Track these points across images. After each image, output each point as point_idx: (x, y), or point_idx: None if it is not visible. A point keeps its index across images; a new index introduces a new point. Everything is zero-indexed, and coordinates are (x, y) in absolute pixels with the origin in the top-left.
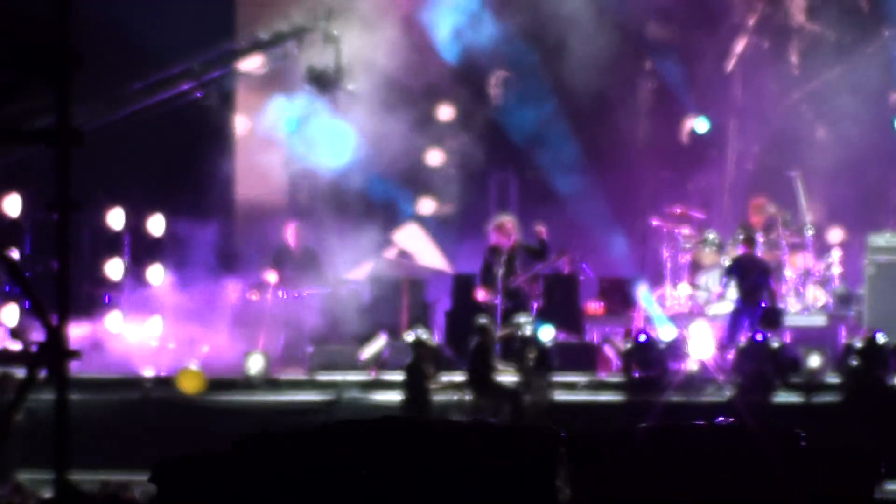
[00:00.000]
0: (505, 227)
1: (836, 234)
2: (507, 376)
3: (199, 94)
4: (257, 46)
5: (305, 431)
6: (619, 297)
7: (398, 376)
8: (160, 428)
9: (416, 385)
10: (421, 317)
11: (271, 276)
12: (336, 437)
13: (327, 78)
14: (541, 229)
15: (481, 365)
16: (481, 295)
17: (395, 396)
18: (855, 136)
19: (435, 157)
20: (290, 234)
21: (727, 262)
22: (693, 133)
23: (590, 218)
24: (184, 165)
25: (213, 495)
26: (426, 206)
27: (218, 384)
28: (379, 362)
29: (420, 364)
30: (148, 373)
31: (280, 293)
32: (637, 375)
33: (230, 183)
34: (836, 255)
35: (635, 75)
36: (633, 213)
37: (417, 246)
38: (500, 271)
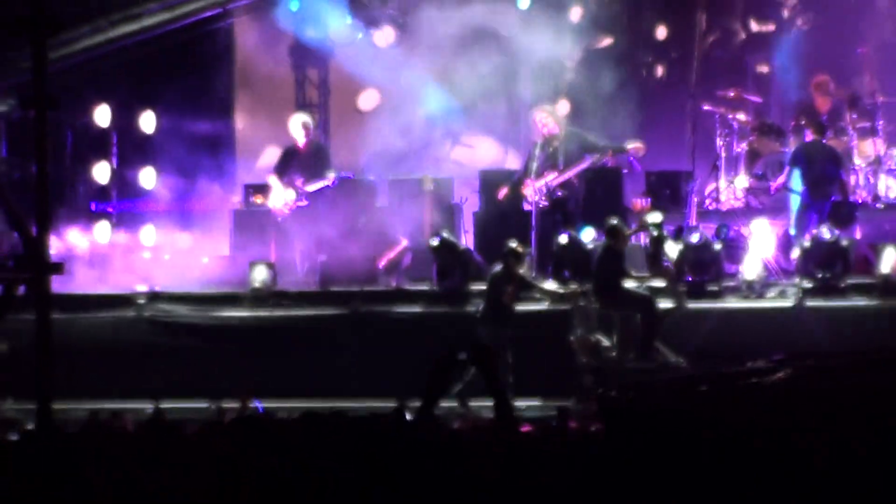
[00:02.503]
0: (544, 115)
1: None
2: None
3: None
4: None
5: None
6: (668, 192)
7: (422, 286)
8: (155, 350)
9: (497, 298)
10: (447, 219)
11: (273, 180)
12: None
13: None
14: None
15: (611, 271)
16: (502, 193)
17: (415, 308)
18: None
19: None
20: (297, 128)
21: (790, 151)
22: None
23: (633, 104)
24: (176, 55)
25: None
26: None
27: (220, 298)
28: (400, 270)
29: (509, 274)
30: (141, 288)
31: (286, 197)
32: (690, 280)
33: (230, 74)
34: None
35: None
36: (682, 97)
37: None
38: (535, 165)
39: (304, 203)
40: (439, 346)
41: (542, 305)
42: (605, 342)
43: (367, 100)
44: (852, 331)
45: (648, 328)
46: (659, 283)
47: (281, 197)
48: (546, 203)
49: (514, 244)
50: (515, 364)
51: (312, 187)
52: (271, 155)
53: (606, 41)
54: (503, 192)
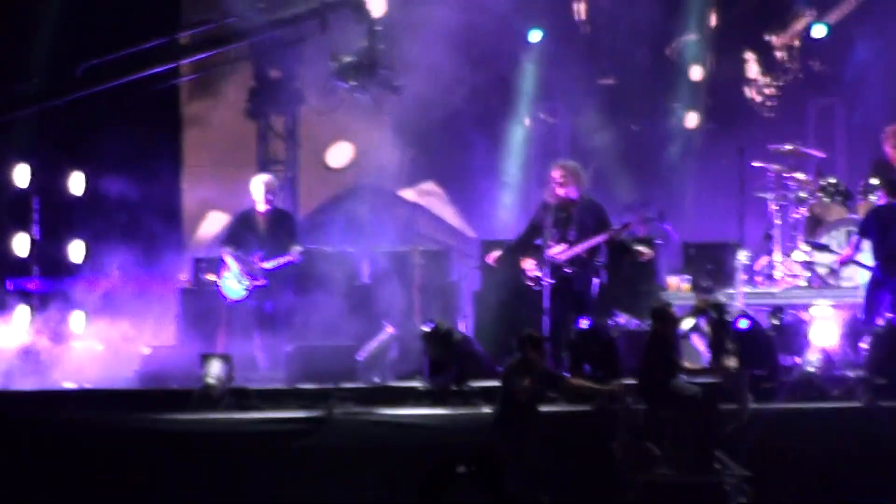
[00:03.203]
0: (561, 175)
1: None
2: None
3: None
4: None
5: None
6: (711, 268)
7: (411, 383)
8: (85, 463)
9: (512, 397)
10: (441, 300)
11: (229, 259)
12: None
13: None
14: None
15: (659, 363)
16: (493, 257)
17: (406, 411)
18: None
19: None
20: (258, 190)
21: (859, 217)
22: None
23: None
24: (112, 103)
25: None
26: None
27: (166, 399)
28: (384, 364)
29: (527, 366)
30: (68, 385)
31: (243, 273)
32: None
33: (177, 124)
34: None
35: None
36: (728, 153)
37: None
38: (555, 234)
39: (260, 283)
40: (432, 457)
41: (571, 406)
42: (655, 451)
43: (338, 155)
44: None
45: (706, 434)
46: (716, 379)
47: (235, 280)
48: (550, 280)
49: (529, 331)
50: (545, 480)
51: (271, 263)
52: (215, 221)
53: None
54: (494, 256)
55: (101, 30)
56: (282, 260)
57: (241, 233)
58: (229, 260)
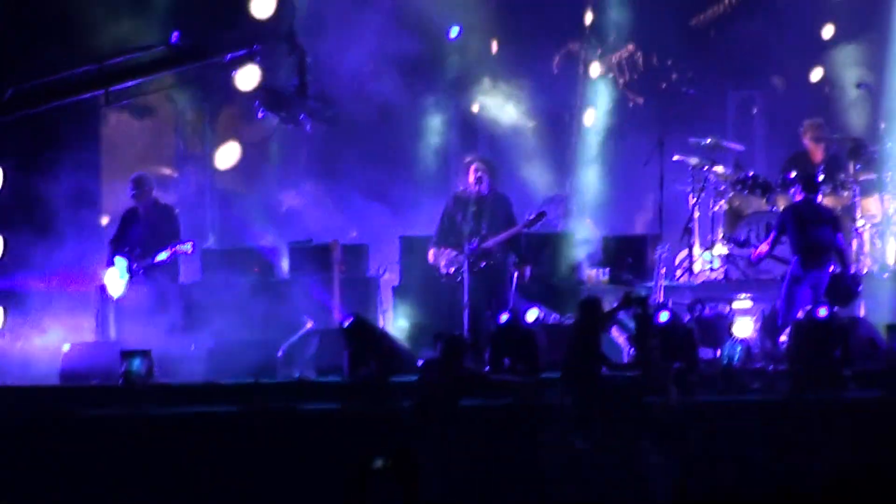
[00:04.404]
0: (476, 169)
1: None
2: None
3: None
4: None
5: None
6: (630, 261)
7: (331, 378)
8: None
9: (431, 393)
10: (361, 295)
11: (118, 261)
12: None
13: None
14: None
15: (585, 355)
16: (443, 259)
17: (323, 405)
18: None
19: None
20: (134, 187)
21: (778, 211)
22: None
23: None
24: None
25: None
26: None
27: (84, 393)
28: (304, 359)
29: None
30: None
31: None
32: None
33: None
34: None
35: None
36: (647, 145)
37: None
38: (467, 228)
39: (142, 276)
40: (353, 452)
41: (493, 401)
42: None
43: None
44: (853, 430)
45: (633, 427)
46: (640, 372)
47: (115, 279)
48: (465, 275)
49: (452, 334)
50: (463, 478)
51: (162, 255)
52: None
53: None
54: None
55: (30, 56)
56: (163, 255)
57: (126, 229)
58: (117, 258)
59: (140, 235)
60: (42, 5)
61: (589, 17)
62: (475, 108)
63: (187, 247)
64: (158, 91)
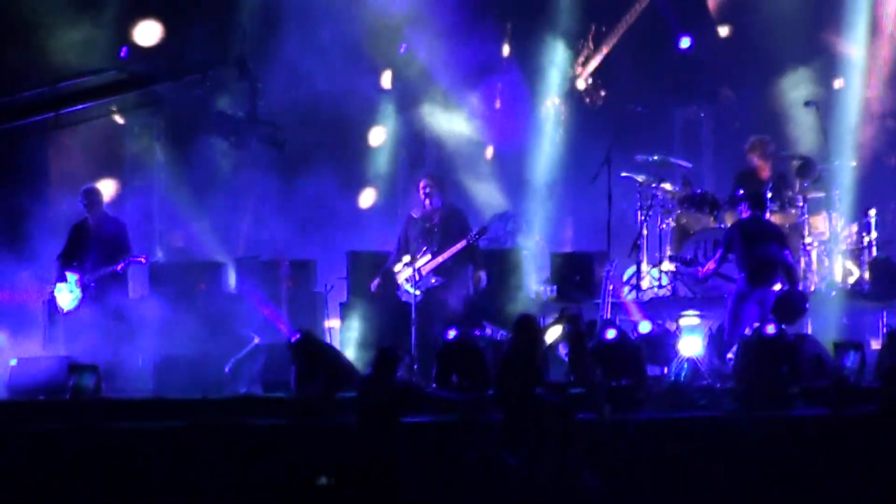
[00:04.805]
0: (426, 185)
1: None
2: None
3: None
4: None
5: None
6: (578, 278)
7: (278, 394)
8: None
9: (372, 410)
10: (308, 310)
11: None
12: None
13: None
14: None
15: (518, 375)
16: (374, 284)
17: (269, 420)
18: None
19: None
20: (91, 198)
21: (725, 227)
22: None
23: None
24: None
25: None
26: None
27: (31, 408)
28: (250, 374)
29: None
30: None
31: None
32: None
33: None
34: (872, 215)
35: None
36: (595, 162)
37: None
38: (421, 244)
39: (93, 291)
40: (299, 468)
41: (433, 417)
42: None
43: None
44: (802, 446)
45: (565, 444)
46: (577, 390)
47: (66, 294)
48: (418, 291)
49: (384, 347)
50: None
51: (115, 268)
52: None
53: None
54: (376, 283)
55: None
56: (111, 268)
57: (75, 242)
58: (68, 273)
59: (90, 248)
60: None
61: None
62: (424, 124)
63: (140, 260)
64: (108, 116)
